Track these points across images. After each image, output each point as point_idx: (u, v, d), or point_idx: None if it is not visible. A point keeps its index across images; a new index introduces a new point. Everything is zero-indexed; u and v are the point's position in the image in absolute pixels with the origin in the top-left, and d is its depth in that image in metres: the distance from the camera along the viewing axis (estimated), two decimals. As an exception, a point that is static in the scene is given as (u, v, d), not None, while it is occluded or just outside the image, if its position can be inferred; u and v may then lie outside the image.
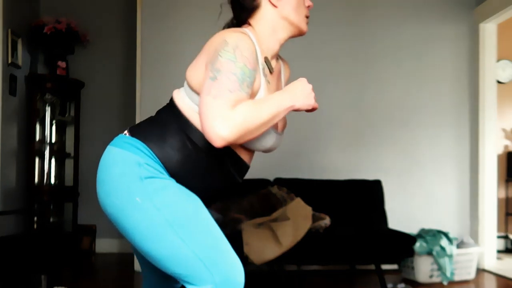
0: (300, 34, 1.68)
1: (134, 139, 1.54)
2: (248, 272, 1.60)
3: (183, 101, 1.58)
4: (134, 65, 4.85)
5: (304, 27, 1.65)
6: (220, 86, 1.41)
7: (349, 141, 4.73)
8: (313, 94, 1.51)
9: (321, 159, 4.67)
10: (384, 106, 4.77)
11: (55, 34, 4.88)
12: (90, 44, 5.39)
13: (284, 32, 1.65)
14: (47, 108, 4.95)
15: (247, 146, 1.59)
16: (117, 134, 1.66)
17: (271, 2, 1.61)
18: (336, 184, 4.30)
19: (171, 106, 1.61)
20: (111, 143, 1.59)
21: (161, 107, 1.69)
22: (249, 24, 1.64)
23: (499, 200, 5.42)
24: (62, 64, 5.04)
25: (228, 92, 1.41)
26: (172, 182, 1.53)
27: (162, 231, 1.47)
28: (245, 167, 1.65)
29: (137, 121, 4.52)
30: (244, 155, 1.62)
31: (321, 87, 4.74)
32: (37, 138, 4.99)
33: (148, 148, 1.52)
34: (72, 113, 5.25)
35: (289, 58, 4.75)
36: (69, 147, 5.25)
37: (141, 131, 1.57)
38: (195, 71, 1.55)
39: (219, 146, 1.39)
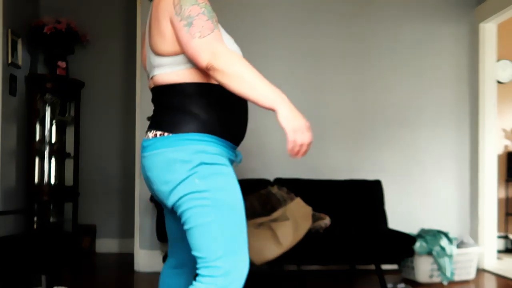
0: None
1: (175, 135, 1.60)
2: (248, 272, 1.64)
3: (175, 74, 1.62)
4: (134, 65, 4.85)
5: None
6: (200, 28, 1.50)
7: (349, 141, 4.72)
8: (308, 130, 1.52)
9: (321, 159, 4.66)
10: (383, 106, 4.77)
11: (55, 34, 4.88)
12: (90, 44, 5.38)
13: None
14: (47, 108, 4.95)
15: None
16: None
17: None
18: (336, 184, 4.29)
19: (168, 89, 1.64)
20: (159, 147, 1.62)
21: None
22: None
23: (499, 200, 5.41)
24: (62, 64, 5.04)
25: (210, 30, 1.51)
26: (226, 169, 1.64)
27: (206, 208, 1.59)
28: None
29: (137, 121, 4.51)
30: None
31: (321, 87, 4.74)
32: (37, 138, 4.98)
33: (199, 134, 1.59)
34: (72, 113, 5.25)
35: (290, 58, 4.76)
36: (69, 147, 5.24)
37: (177, 124, 1.61)
38: (164, 38, 1.59)
39: (202, 65, 1.50)
